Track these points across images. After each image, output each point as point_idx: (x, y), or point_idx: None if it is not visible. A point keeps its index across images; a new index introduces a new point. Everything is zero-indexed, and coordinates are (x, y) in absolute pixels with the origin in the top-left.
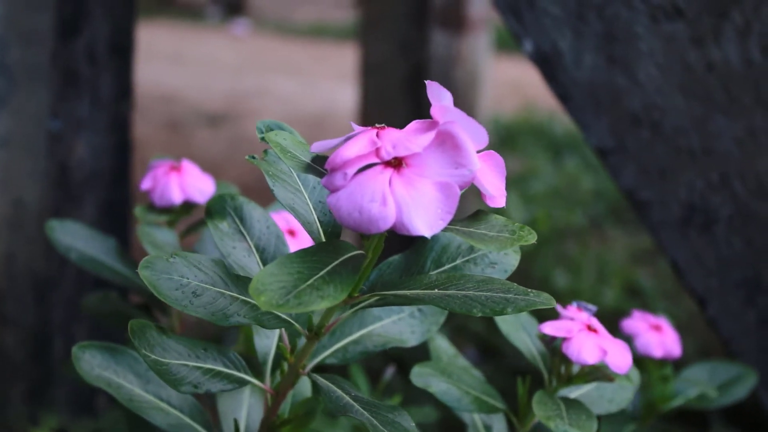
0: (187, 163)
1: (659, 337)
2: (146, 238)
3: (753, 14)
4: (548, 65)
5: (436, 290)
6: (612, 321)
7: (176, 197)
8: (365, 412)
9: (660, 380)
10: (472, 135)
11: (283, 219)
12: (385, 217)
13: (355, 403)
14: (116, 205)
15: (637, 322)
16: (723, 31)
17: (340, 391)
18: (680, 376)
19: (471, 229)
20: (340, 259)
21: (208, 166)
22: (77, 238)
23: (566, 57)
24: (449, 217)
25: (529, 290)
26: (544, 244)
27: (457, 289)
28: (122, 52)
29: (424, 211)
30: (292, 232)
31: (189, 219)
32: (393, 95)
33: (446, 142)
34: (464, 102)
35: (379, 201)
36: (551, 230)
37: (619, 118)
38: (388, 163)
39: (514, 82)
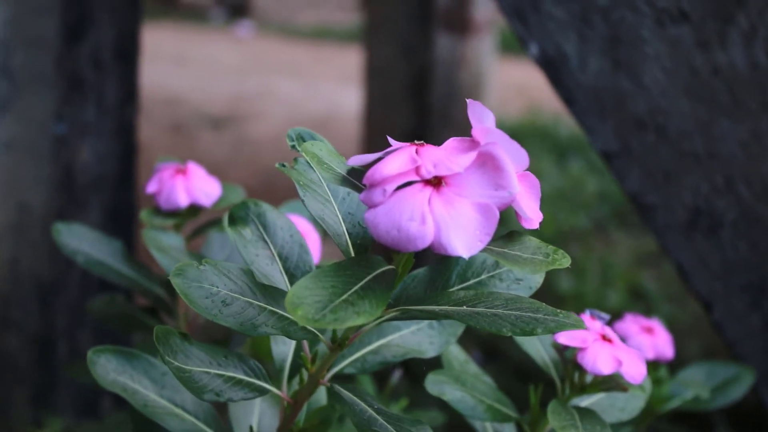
0: (192, 166)
1: (651, 339)
2: (152, 242)
3: (758, 18)
4: (553, 69)
5: (465, 307)
6: (611, 327)
7: (182, 200)
8: (390, 427)
9: (655, 382)
10: (513, 157)
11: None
12: (423, 236)
13: (379, 417)
14: (121, 209)
15: (629, 325)
16: (728, 34)
17: (363, 404)
18: (676, 378)
19: (505, 250)
20: (373, 274)
21: (211, 169)
22: (84, 241)
23: (571, 60)
24: (488, 239)
25: (558, 311)
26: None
27: (485, 306)
28: (127, 57)
29: (463, 232)
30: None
31: (195, 222)
32: (397, 98)
33: (487, 163)
34: None
35: (418, 220)
36: (556, 233)
37: (624, 122)
38: (428, 182)
39: (518, 84)
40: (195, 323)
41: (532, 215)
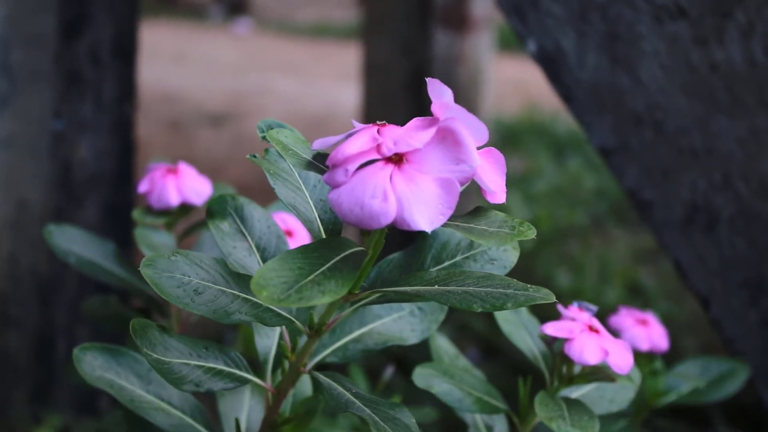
0: (183, 166)
1: (646, 331)
2: (143, 240)
3: (756, 15)
4: (552, 65)
5: (437, 286)
6: (605, 321)
7: (173, 199)
8: (366, 409)
9: (650, 375)
10: (472, 131)
11: (281, 220)
12: (386, 212)
13: (356, 400)
14: (119, 206)
15: (624, 318)
16: (726, 31)
17: (341, 388)
18: (673, 372)
19: (471, 225)
20: (341, 255)
21: (209, 166)
22: (75, 243)
23: (569, 57)
24: (450, 213)
25: (529, 286)
26: (546, 243)
27: (457, 285)
28: (125, 54)
29: (424, 207)
30: (289, 233)
31: (187, 221)
32: (395, 95)
33: (447, 138)
34: (466, 101)
35: (380, 197)
36: (553, 230)
37: (622, 118)
38: (389, 159)
39: (516, 81)
40: (187, 322)
41: (495, 189)
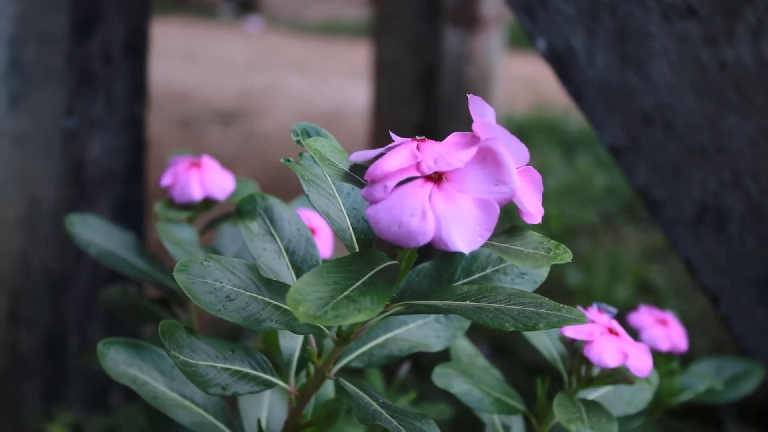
0: (207, 159)
1: (665, 331)
2: (165, 234)
3: (766, 13)
4: (561, 64)
5: (468, 302)
6: (624, 318)
7: (196, 194)
8: (394, 421)
9: (667, 374)
10: (513, 152)
11: (304, 217)
12: (424, 231)
13: (383, 411)
14: (131, 203)
15: (644, 317)
16: (736, 30)
17: (368, 398)
18: (688, 371)
19: (507, 245)
20: (375, 270)
21: (220, 164)
22: (96, 233)
23: (579, 56)
24: (488, 234)
25: (561, 306)
26: (556, 241)
27: (488, 301)
28: (136, 52)
29: (463, 227)
30: (313, 230)
31: (208, 215)
32: (405, 93)
33: (487, 158)
34: None
35: (419, 216)
36: (564, 227)
37: (632, 117)
38: (428, 177)
39: (526, 79)
40: (205, 316)
41: (533, 210)
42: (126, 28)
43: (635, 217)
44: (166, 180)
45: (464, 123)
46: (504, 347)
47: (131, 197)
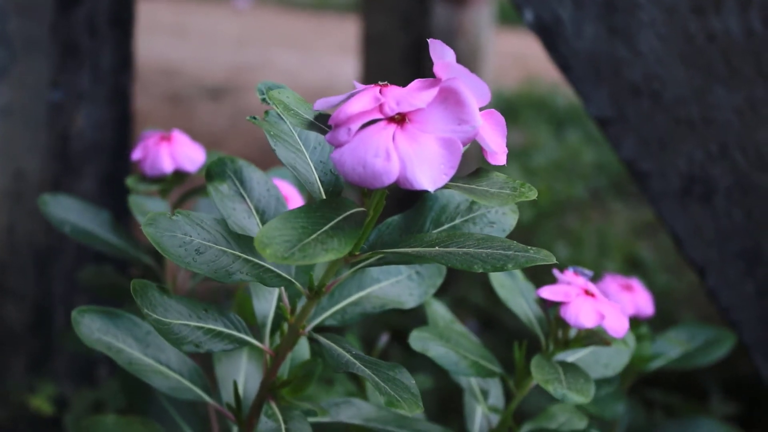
0: (177, 133)
1: (630, 296)
2: (137, 208)
3: None
4: (549, 35)
5: (437, 247)
6: None
7: (167, 166)
8: (366, 369)
9: (636, 340)
10: (475, 91)
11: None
12: (388, 171)
13: (356, 361)
14: (116, 177)
15: (609, 284)
16: (724, 1)
17: (341, 350)
18: (660, 337)
19: (473, 186)
20: (343, 215)
21: (209, 139)
22: (71, 212)
23: (567, 27)
24: (452, 172)
25: (529, 247)
26: (545, 217)
27: (457, 246)
28: (122, 23)
29: (427, 166)
30: (285, 199)
31: (181, 188)
32: (394, 67)
33: (449, 98)
34: None
35: (383, 156)
36: (553, 203)
37: (620, 88)
38: (391, 119)
39: (516, 54)
40: (182, 290)
41: (497, 149)
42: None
43: (624, 193)
44: (136, 154)
45: None
46: (492, 321)
47: (117, 170)
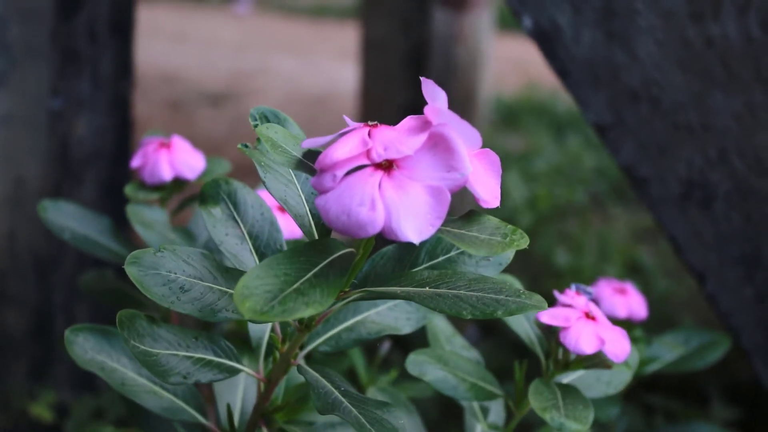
0: (177, 139)
1: (624, 299)
2: (135, 216)
3: None
4: (547, 41)
5: (427, 288)
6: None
7: (166, 174)
8: (354, 410)
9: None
10: (465, 138)
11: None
12: (373, 221)
13: (344, 400)
14: (117, 183)
15: (602, 288)
16: (722, 6)
17: (329, 386)
18: (655, 340)
19: (462, 231)
20: (328, 260)
21: (209, 146)
22: (70, 218)
23: (565, 33)
24: (439, 223)
25: (522, 291)
26: (545, 221)
27: (448, 287)
28: (122, 30)
29: (413, 217)
30: (282, 209)
31: (181, 195)
32: (394, 73)
33: (439, 144)
34: (465, 80)
35: (368, 205)
36: (553, 208)
37: (618, 94)
38: (378, 165)
39: (516, 60)
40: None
41: (488, 197)
42: (111, 6)
43: (624, 198)
44: (136, 161)
45: (452, 103)
46: (492, 328)
47: (117, 177)
